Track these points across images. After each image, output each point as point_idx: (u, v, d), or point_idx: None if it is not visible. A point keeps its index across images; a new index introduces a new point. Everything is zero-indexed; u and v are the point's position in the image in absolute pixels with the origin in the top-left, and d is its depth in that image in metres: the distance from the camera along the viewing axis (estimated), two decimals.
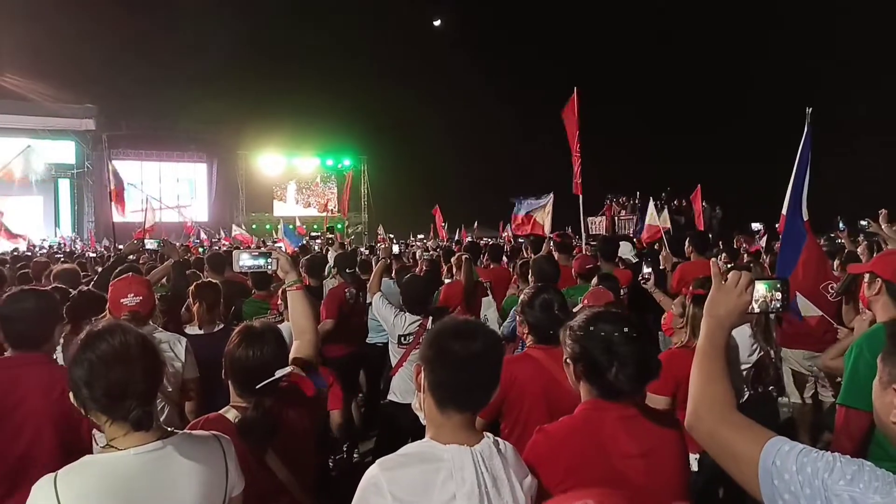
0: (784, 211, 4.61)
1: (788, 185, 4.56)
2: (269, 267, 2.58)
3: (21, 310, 2.42)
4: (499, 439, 1.68)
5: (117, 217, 8.97)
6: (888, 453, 1.89)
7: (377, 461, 1.59)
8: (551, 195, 10.49)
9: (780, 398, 5.57)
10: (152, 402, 1.58)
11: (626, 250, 7.15)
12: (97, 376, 1.52)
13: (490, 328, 1.77)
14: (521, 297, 2.94)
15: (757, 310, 1.51)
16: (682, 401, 2.76)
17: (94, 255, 7.66)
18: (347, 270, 5.47)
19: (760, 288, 1.50)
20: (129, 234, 10.67)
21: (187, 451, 1.59)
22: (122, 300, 3.06)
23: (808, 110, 4.62)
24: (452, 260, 5.99)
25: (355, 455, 5.16)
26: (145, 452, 1.54)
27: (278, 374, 2.01)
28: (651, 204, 10.55)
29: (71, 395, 1.57)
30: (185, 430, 1.72)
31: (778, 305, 1.53)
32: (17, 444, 2.25)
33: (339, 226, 25.34)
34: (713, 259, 3.19)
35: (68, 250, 15.72)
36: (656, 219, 9.83)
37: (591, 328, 1.89)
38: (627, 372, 1.83)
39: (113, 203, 9.26)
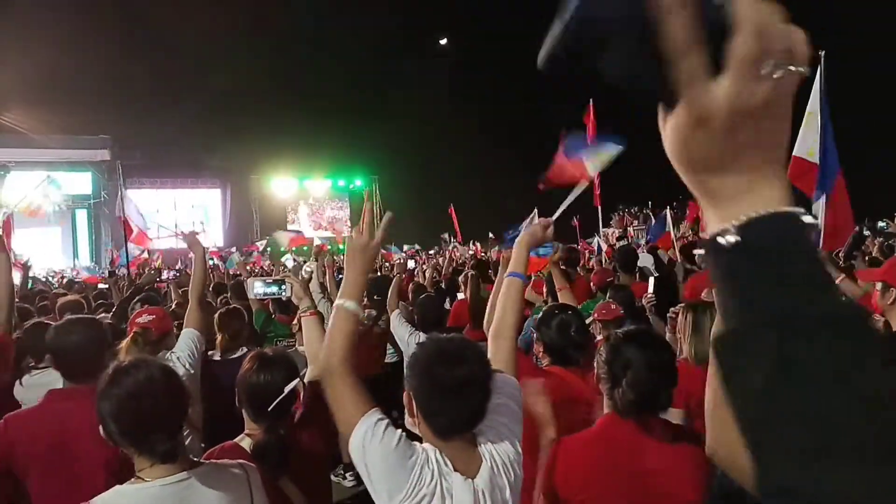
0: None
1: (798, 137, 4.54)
2: (283, 293, 2.62)
3: (71, 342, 2.44)
4: (497, 461, 1.66)
5: (133, 247, 8.94)
6: None
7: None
8: (534, 212, 10.45)
9: None
10: (178, 434, 1.62)
11: (647, 261, 7.08)
12: (124, 410, 1.58)
13: (474, 344, 1.75)
14: (540, 315, 2.89)
15: None
16: (694, 412, 2.76)
17: (104, 286, 7.53)
18: (376, 297, 5.41)
19: None
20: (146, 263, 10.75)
21: (212, 481, 1.63)
22: (137, 320, 3.18)
23: (821, 53, 4.42)
24: (460, 278, 6.01)
25: None
26: (171, 484, 1.58)
27: (286, 389, 2.03)
28: (667, 212, 10.49)
29: (100, 427, 1.62)
30: (210, 461, 1.75)
31: None
32: (77, 476, 2.24)
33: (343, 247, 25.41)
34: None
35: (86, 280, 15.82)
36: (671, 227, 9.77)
37: (622, 344, 1.94)
38: (628, 398, 1.86)
39: (130, 237, 9.14)
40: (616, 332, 2.04)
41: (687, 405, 2.85)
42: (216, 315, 3.93)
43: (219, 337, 3.82)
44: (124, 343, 2.88)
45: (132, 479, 1.61)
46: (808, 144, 4.74)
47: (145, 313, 3.21)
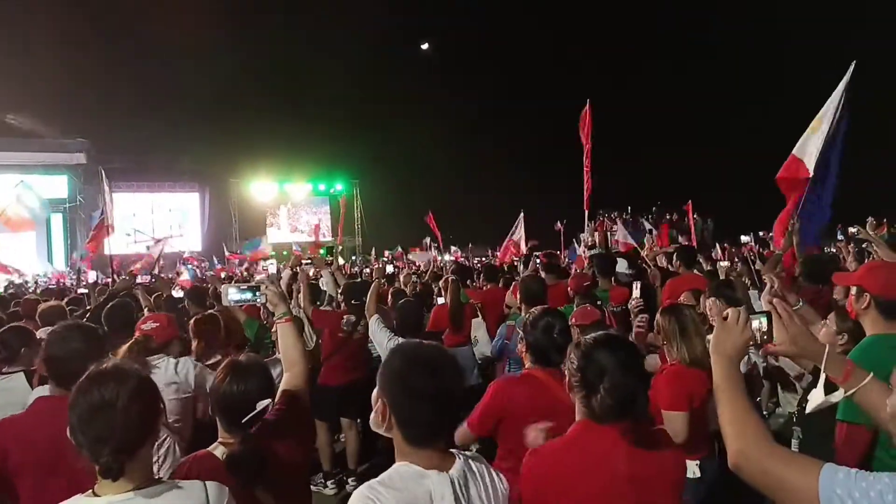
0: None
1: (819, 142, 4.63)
2: (258, 300, 2.58)
3: (70, 350, 2.41)
4: (471, 460, 1.66)
5: (107, 250, 8.80)
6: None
7: (365, 483, 1.57)
8: (521, 215, 10.66)
9: (777, 409, 5.58)
10: (131, 452, 1.57)
11: (622, 267, 7.14)
12: (84, 422, 1.57)
13: (447, 350, 1.74)
14: (526, 317, 2.92)
15: (757, 341, 1.63)
16: (697, 412, 2.78)
17: (85, 290, 7.49)
18: (354, 302, 5.36)
19: (753, 322, 1.59)
20: (123, 268, 10.59)
21: (159, 501, 1.59)
22: (142, 326, 3.26)
23: (853, 63, 4.63)
24: (440, 283, 6.01)
25: (352, 482, 5.11)
26: (116, 502, 1.55)
27: (259, 406, 2.01)
28: (618, 221, 10.77)
29: (68, 431, 1.59)
30: (169, 480, 1.69)
31: (766, 337, 1.64)
32: (76, 482, 2.19)
33: (324, 251, 25.18)
34: (712, 299, 3.19)
35: (63, 285, 15.54)
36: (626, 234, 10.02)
37: (594, 350, 1.91)
38: (607, 403, 1.85)
39: (103, 237, 9.00)
40: (585, 339, 1.99)
41: (690, 406, 2.85)
42: (191, 321, 3.91)
43: (194, 343, 3.79)
44: (123, 348, 2.95)
45: (88, 492, 1.59)
46: (807, 149, 4.81)
47: (150, 320, 3.30)
